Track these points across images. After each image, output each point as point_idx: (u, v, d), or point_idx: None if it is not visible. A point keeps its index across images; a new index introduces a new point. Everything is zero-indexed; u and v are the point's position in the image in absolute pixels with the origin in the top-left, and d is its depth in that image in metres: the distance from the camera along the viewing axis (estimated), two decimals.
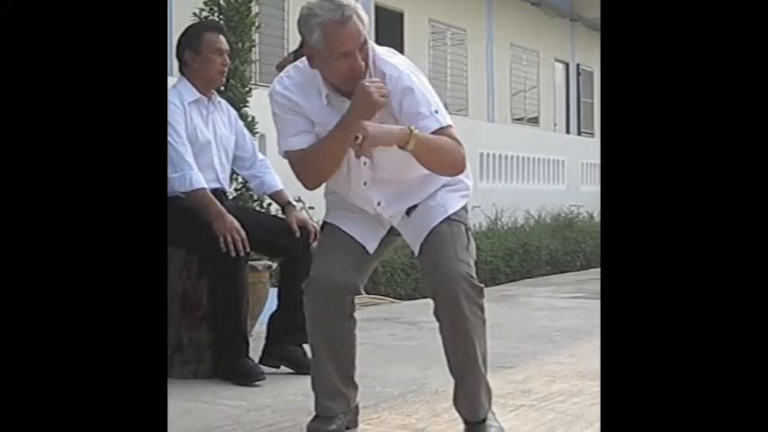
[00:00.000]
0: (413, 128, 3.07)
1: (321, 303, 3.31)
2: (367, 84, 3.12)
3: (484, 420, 3.41)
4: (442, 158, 3.19)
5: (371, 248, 3.40)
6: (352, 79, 3.14)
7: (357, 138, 2.98)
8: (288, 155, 3.29)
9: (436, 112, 3.18)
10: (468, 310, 3.22)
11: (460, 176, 3.39)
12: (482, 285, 3.27)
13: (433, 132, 3.15)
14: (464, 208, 3.43)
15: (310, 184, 3.31)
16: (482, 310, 3.27)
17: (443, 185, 3.41)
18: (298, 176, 3.29)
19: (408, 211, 3.39)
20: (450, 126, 3.19)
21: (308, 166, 3.26)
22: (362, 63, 3.14)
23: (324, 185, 3.47)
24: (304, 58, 3.26)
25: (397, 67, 3.22)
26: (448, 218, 3.34)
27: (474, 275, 3.25)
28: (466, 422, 3.44)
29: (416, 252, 3.36)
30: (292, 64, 3.37)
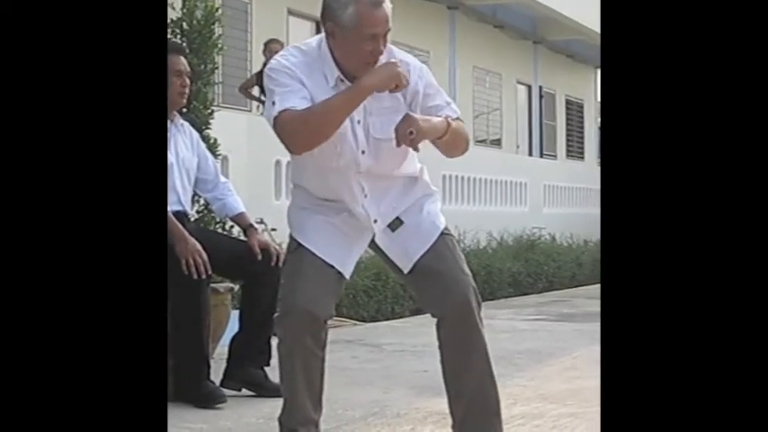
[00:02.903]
0: (450, 120, 3.27)
1: (299, 336, 3.22)
2: (397, 63, 3.21)
3: None
4: (460, 144, 3.42)
5: (348, 273, 3.32)
6: (368, 65, 3.18)
7: (411, 133, 3.11)
8: (282, 114, 3.14)
9: (449, 103, 3.37)
10: (478, 322, 3.26)
11: (430, 182, 3.51)
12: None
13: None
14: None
15: (300, 148, 3.22)
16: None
17: (423, 195, 3.44)
18: (289, 138, 3.17)
19: (392, 227, 3.35)
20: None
21: (308, 122, 3.13)
22: (382, 50, 3.19)
23: (291, 175, 3.43)
24: (306, 41, 3.30)
25: (416, 61, 3.36)
26: (441, 233, 3.36)
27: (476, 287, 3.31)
28: None
29: (406, 269, 3.32)
30: (293, 45, 3.36)
